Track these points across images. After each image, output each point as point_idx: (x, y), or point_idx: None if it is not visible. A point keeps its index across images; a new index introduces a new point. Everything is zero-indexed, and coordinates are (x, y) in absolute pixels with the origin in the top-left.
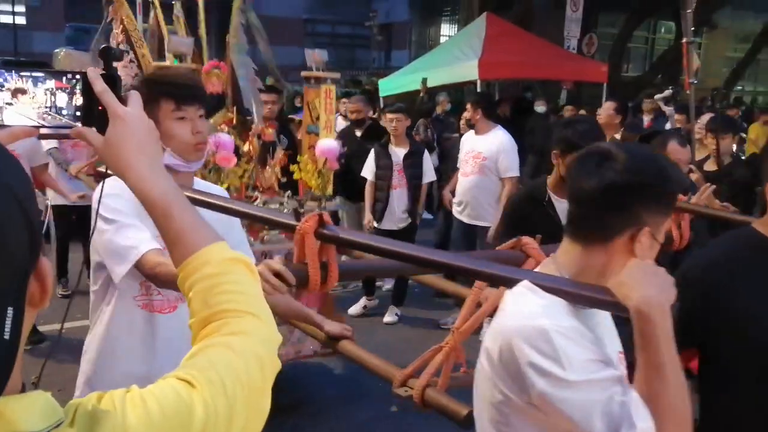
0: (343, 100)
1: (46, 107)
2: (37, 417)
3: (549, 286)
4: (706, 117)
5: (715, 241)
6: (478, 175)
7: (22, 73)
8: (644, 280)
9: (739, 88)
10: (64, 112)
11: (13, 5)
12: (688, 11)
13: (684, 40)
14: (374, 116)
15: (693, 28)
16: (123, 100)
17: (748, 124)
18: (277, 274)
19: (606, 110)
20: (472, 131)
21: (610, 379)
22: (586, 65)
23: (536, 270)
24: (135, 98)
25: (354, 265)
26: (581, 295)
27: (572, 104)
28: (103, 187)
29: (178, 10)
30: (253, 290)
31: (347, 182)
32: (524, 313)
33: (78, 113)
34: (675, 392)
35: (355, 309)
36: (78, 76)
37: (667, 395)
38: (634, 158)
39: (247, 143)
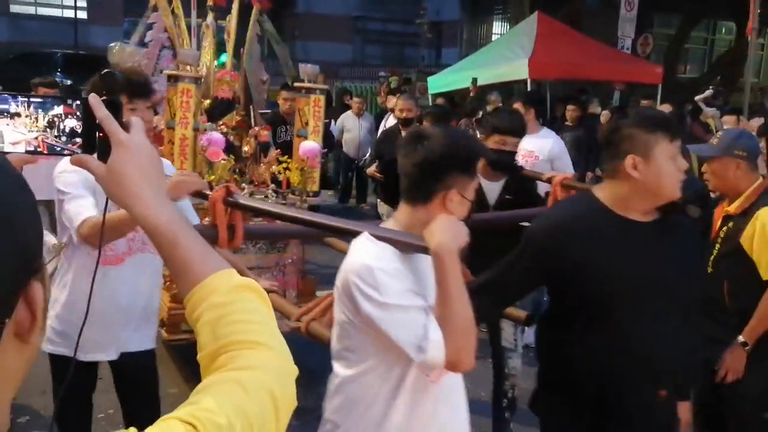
0: (390, 97)
1: (54, 133)
2: None
3: (380, 235)
4: (755, 122)
5: (560, 204)
6: None
7: (22, 99)
8: (443, 230)
9: None
10: (64, 138)
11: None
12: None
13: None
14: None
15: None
16: (125, 126)
17: None
18: None
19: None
20: None
21: (418, 307)
22: (639, 66)
23: (380, 225)
24: (137, 125)
25: (257, 228)
26: (401, 241)
27: (623, 105)
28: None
29: (210, 20)
30: (264, 318)
31: (389, 187)
32: (358, 256)
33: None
34: (458, 311)
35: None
36: (78, 102)
37: (452, 313)
38: (444, 137)
39: (246, 143)
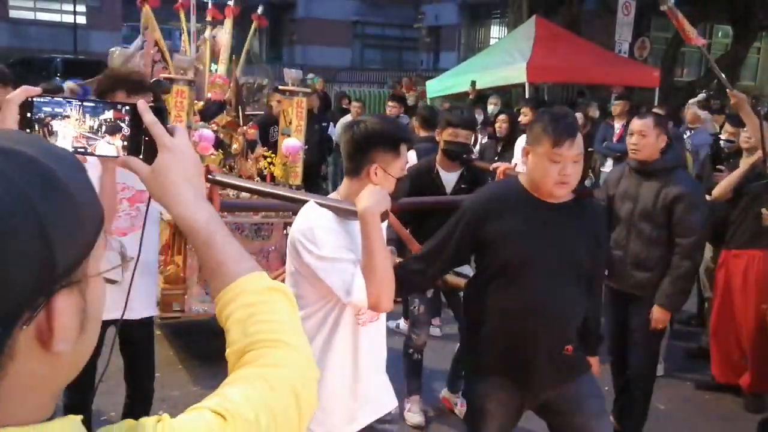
0: (390, 104)
1: (97, 135)
2: None
3: (321, 202)
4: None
5: (492, 184)
6: None
7: (75, 103)
8: (367, 198)
9: None
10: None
11: (74, 5)
12: None
13: (662, 7)
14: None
15: None
16: (169, 131)
17: None
18: None
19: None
20: (524, 135)
21: (348, 260)
22: (637, 69)
23: (328, 196)
24: (181, 131)
25: (230, 202)
26: (337, 207)
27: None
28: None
29: (208, 34)
30: (291, 320)
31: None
32: (303, 218)
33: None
34: (379, 263)
35: None
36: (128, 107)
37: (374, 265)
38: (371, 122)
39: (235, 141)
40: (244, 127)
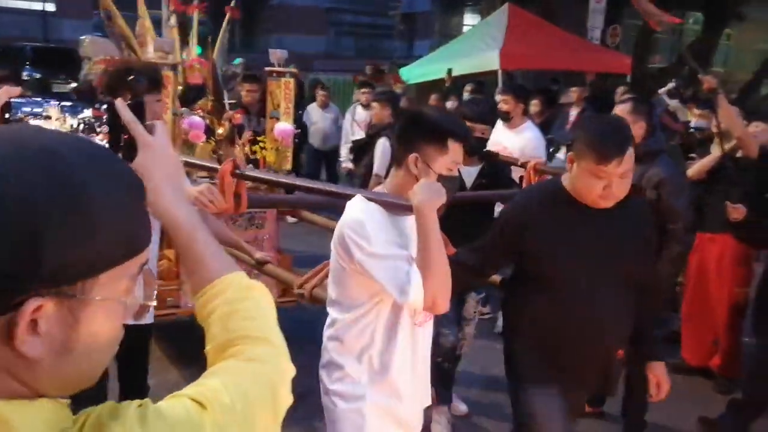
0: (362, 90)
1: (76, 134)
2: (41, 423)
3: (369, 197)
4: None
5: (531, 187)
6: None
7: (54, 103)
8: (422, 191)
9: None
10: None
11: None
12: None
13: None
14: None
15: None
16: (148, 129)
17: None
18: (211, 200)
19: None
20: (500, 123)
21: (402, 256)
22: (609, 56)
23: (373, 189)
24: (160, 128)
25: (259, 197)
26: (387, 201)
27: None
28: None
29: (173, 23)
30: (272, 318)
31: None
32: (352, 212)
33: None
34: (436, 260)
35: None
36: (105, 105)
37: (431, 262)
38: (417, 112)
39: (221, 126)
40: (231, 112)
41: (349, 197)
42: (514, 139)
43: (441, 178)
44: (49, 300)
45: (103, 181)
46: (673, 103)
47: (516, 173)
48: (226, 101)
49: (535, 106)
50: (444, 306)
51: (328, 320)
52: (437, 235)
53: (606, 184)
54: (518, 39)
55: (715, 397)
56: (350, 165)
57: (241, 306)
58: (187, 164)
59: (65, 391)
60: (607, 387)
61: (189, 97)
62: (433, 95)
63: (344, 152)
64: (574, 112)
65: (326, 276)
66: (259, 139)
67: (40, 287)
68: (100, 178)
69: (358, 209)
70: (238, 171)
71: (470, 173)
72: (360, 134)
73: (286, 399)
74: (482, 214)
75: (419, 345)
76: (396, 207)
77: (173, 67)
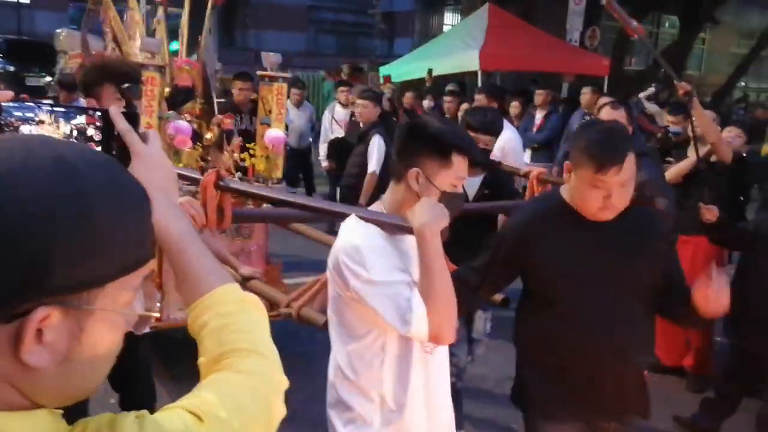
0: (341, 89)
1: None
2: None
3: (366, 217)
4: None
5: (533, 200)
6: None
7: (46, 108)
8: (424, 211)
9: (743, 84)
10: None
11: None
12: None
13: (603, 1)
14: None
15: None
16: (142, 137)
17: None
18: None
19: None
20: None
21: (402, 282)
22: (587, 58)
23: (370, 207)
24: (154, 137)
25: (244, 211)
26: (386, 222)
27: (571, 96)
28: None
29: (160, 15)
30: (265, 330)
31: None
32: (347, 236)
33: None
34: (440, 286)
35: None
36: (99, 113)
37: (435, 288)
38: (420, 121)
39: (209, 131)
40: (220, 116)
41: (345, 216)
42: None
43: (445, 195)
44: (56, 309)
45: (114, 194)
46: (654, 109)
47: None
48: (215, 101)
49: (514, 108)
50: (450, 336)
51: (332, 352)
52: (441, 259)
53: (605, 194)
54: (498, 40)
55: (689, 395)
56: (327, 163)
57: (234, 319)
58: None
59: (63, 402)
60: (639, 408)
61: (177, 99)
62: (407, 93)
63: (323, 151)
64: (539, 115)
65: (316, 293)
66: (249, 146)
67: (47, 297)
68: (111, 190)
69: (354, 232)
70: (222, 183)
71: (473, 184)
72: (339, 133)
73: (280, 411)
74: (484, 226)
75: (433, 375)
76: (394, 228)
77: (160, 69)
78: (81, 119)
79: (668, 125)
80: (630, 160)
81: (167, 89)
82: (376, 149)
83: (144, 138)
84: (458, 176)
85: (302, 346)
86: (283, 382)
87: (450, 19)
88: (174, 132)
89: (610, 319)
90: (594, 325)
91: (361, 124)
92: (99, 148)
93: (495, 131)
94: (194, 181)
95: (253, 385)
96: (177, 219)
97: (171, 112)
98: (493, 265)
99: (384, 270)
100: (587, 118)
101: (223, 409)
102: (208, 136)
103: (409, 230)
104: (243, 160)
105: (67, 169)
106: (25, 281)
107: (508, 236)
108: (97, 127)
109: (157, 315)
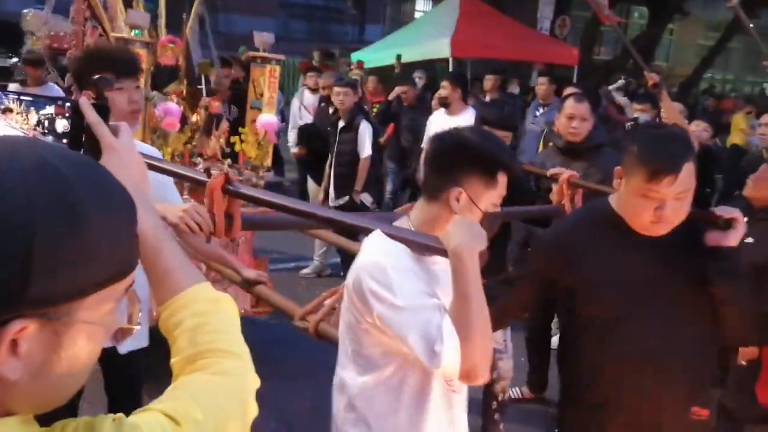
0: (310, 74)
1: (41, 131)
2: None
3: (392, 234)
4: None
5: (575, 211)
6: None
7: (13, 96)
8: (461, 232)
9: (709, 75)
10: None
11: None
12: None
13: None
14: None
15: None
16: (113, 130)
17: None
18: (198, 223)
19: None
20: (442, 110)
21: (431, 307)
22: (557, 47)
23: (395, 223)
24: (125, 130)
25: (255, 217)
26: (415, 241)
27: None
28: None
29: None
30: (237, 330)
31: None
32: (370, 254)
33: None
34: (477, 313)
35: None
36: (69, 103)
37: (471, 316)
38: (461, 134)
39: (195, 114)
40: (207, 98)
41: (369, 231)
42: (459, 124)
43: (485, 215)
44: (33, 322)
45: (99, 203)
46: (623, 101)
47: None
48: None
49: (489, 80)
50: (484, 374)
51: (338, 379)
52: (479, 285)
53: (658, 206)
54: (469, 27)
55: None
56: (296, 149)
57: (208, 319)
58: (167, 172)
59: (37, 411)
60: None
61: (161, 80)
62: (370, 77)
63: (292, 137)
64: (488, 100)
65: (333, 307)
66: (240, 130)
67: (25, 308)
68: (97, 199)
69: (380, 250)
70: (231, 187)
71: None
72: (308, 118)
73: (254, 411)
74: (499, 230)
75: (458, 416)
76: (424, 249)
77: (147, 45)
78: (50, 109)
79: (637, 116)
80: (688, 170)
81: (150, 68)
82: (367, 134)
83: (115, 131)
84: (500, 195)
85: (283, 347)
86: (256, 382)
87: (421, 5)
88: (163, 113)
89: (661, 343)
90: (642, 352)
91: (340, 112)
92: (66, 141)
93: (512, 126)
94: (199, 184)
95: (228, 386)
96: (149, 215)
97: (155, 92)
98: (528, 281)
99: (412, 294)
100: (543, 109)
101: (200, 411)
102: (195, 119)
103: (443, 252)
104: (233, 143)
105: (53, 175)
106: (4, 292)
107: (540, 255)
108: (66, 118)
109: (138, 327)
